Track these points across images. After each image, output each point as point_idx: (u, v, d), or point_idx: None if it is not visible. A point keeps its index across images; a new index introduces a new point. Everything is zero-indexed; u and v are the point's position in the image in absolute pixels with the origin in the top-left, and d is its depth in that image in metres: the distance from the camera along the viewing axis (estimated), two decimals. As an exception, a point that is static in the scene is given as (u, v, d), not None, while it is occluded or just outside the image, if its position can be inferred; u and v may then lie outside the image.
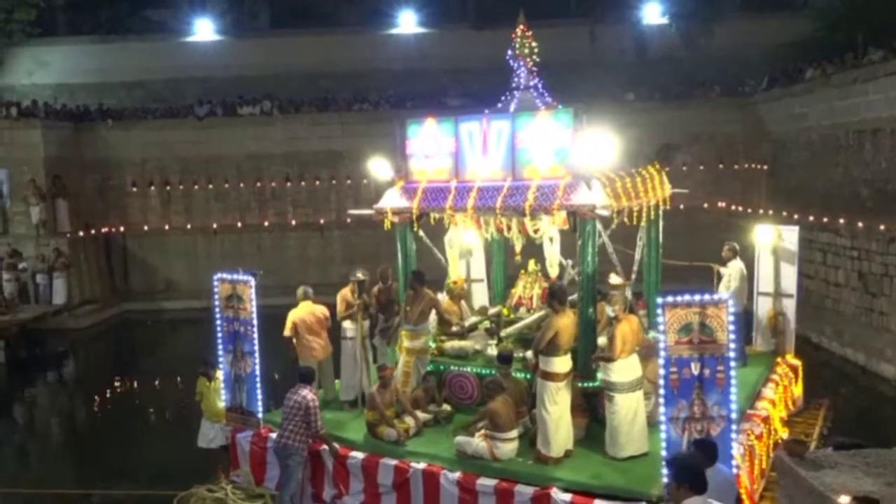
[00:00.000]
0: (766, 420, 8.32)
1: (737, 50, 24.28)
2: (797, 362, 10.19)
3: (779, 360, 10.01)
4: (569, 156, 7.73)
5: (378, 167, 9.00)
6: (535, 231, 8.30)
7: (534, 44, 8.91)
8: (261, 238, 22.54)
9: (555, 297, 7.64)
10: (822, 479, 4.68)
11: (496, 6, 24.72)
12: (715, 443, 5.78)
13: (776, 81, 21.34)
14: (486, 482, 7.10)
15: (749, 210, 19.86)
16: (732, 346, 6.32)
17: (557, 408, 7.26)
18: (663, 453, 6.37)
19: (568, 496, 6.71)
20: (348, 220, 21.12)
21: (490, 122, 8.30)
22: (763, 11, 25.47)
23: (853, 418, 11.57)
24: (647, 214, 8.90)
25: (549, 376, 7.31)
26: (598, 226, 8.10)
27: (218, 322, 8.73)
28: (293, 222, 22.80)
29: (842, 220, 15.68)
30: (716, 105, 22.87)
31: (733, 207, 20.98)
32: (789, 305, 10.17)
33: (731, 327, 6.29)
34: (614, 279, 8.26)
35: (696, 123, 22.64)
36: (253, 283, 8.48)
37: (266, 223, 22.83)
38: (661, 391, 6.45)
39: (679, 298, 6.38)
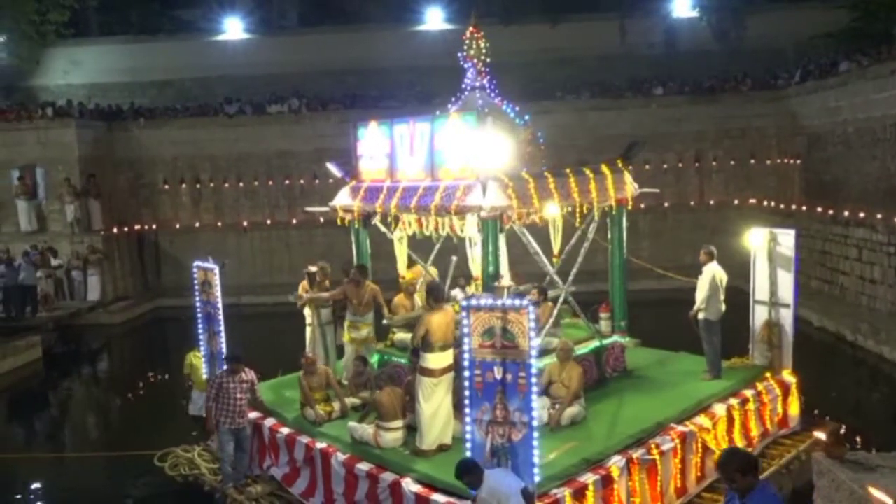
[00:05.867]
0: (683, 437, 7.78)
1: (769, 42, 23.92)
2: (792, 379, 9.28)
3: (767, 375, 9.19)
4: (471, 157, 7.95)
5: (331, 167, 9.76)
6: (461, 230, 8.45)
7: (483, 44, 9.22)
8: (289, 235, 22.72)
9: (430, 293, 7.83)
10: (862, 481, 4.59)
11: (524, 1, 24.65)
12: None
13: (810, 74, 20.96)
14: (362, 466, 7.54)
15: (782, 206, 19.54)
16: (534, 352, 6.24)
17: (430, 403, 7.44)
18: (468, 454, 6.43)
19: (417, 487, 6.99)
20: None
21: (416, 125, 8.61)
22: (796, 2, 25.02)
23: (890, 419, 11.34)
24: (585, 215, 8.70)
25: (424, 372, 7.49)
26: (556, 225, 8.35)
27: (197, 304, 9.75)
28: (321, 219, 22.92)
29: (878, 216, 15.35)
30: (747, 99, 22.50)
31: (765, 203, 20.66)
32: (786, 316, 9.21)
33: (532, 334, 6.17)
34: (503, 280, 8.30)
35: (727, 118, 22.32)
36: (217, 271, 9.32)
37: (294, 220, 23.02)
38: (466, 392, 6.50)
39: (482, 302, 6.42)
